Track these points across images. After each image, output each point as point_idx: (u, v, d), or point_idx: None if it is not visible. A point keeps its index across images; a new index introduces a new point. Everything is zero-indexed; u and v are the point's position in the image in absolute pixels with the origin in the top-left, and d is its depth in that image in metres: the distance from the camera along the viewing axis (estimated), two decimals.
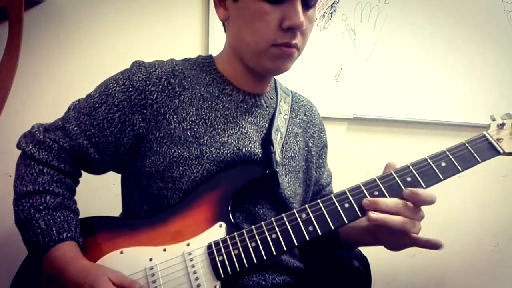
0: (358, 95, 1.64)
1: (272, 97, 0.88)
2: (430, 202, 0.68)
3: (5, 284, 0.75)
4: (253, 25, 0.72)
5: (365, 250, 0.88)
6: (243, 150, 0.77)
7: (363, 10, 1.63)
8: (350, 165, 1.64)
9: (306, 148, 0.91)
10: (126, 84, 0.76)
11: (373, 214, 0.66)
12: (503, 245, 1.91)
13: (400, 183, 0.70)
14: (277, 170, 0.78)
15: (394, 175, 0.70)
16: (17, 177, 0.74)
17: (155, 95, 0.76)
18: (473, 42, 1.81)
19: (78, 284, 0.64)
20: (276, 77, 0.91)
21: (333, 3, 1.58)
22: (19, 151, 0.78)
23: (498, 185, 1.86)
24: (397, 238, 0.70)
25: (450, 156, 0.71)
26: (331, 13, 1.58)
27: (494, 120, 0.77)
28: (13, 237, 0.72)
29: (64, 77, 1.27)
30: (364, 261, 0.87)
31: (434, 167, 0.70)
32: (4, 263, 0.78)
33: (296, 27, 0.70)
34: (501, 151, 0.72)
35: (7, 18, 1.07)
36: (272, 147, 0.79)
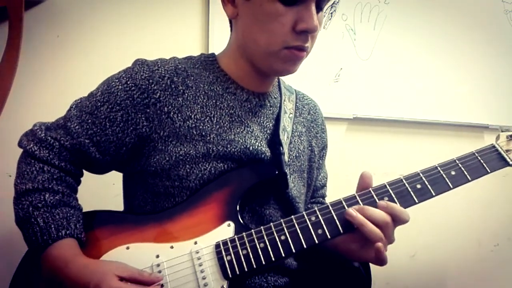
0: (358, 95, 1.64)
1: (275, 96, 0.88)
2: (404, 220, 0.68)
3: (6, 285, 0.74)
4: (265, 26, 0.70)
5: None
6: (250, 148, 0.76)
7: (363, 10, 1.63)
8: (350, 165, 1.64)
9: (310, 148, 0.91)
10: (128, 82, 0.75)
11: (352, 211, 0.67)
12: (503, 245, 1.91)
13: (410, 189, 0.70)
14: (286, 171, 0.78)
15: (404, 181, 0.71)
16: (17, 176, 0.74)
17: (158, 94, 0.75)
18: (473, 42, 1.81)
19: (81, 284, 0.62)
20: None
21: (333, 3, 1.58)
22: (19, 151, 0.78)
23: (498, 185, 1.86)
24: (364, 251, 0.70)
25: (460, 165, 0.72)
26: (331, 13, 1.58)
27: (503, 131, 0.78)
28: (14, 237, 0.72)
29: (64, 77, 1.27)
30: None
31: (444, 175, 0.71)
32: (4, 264, 0.78)
33: (311, 30, 0.70)
34: (510, 162, 0.73)
35: (7, 18, 1.07)
36: (281, 149, 0.79)
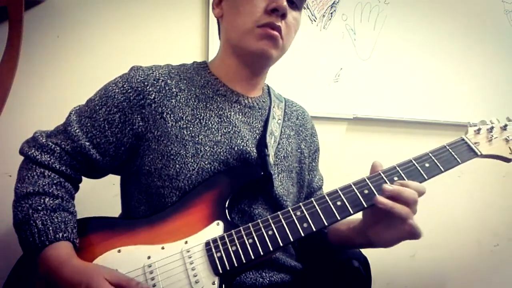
0: (358, 95, 1.64)
1: (265, 100, 0.93)
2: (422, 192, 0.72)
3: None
4: (241, 9, 0.80)
5: (365, 250, 0.88)
6: (235, 149, 0.80)
7: (363, 10, 1.63)
8: (350, 165, 1.64)
9: (299, 150, 0.95)
10: (125, 86, 0.80)
11: (381, 199, 0.69)
12: (503, 245, 1.91)
13: (388, 182, 0.74)
14: (272, 172, 0.81)
15: (382, 175, 0.75)
16: (18, 181, 0.75)
17: (153, 95, 0.80)
18: (473, 42, 1.81)
19: (73, 284, 0.63)
20: (275, 77, 0.93)
21: (333, 3, 1.58)
22: (20, 152, 0.78)
23: (498, 185, 1.86)
24: (393, 230, 0.72)
25: (433, 158, 0.77)
26: (331, 13, 1.58)
27: (471, 126, 0.84)
28: (12, 237, 0.72)
29: (64, 77, 1.27)
30: (364, 261, 0.87)
31: (418, 167, 0.76)
32: (4, 264, 0.78)
33: (280, 8, 0.77)
34: (479, 153, 0.79)
35: (7, 18, 1.07)
36: (266, 150, 0.83)
